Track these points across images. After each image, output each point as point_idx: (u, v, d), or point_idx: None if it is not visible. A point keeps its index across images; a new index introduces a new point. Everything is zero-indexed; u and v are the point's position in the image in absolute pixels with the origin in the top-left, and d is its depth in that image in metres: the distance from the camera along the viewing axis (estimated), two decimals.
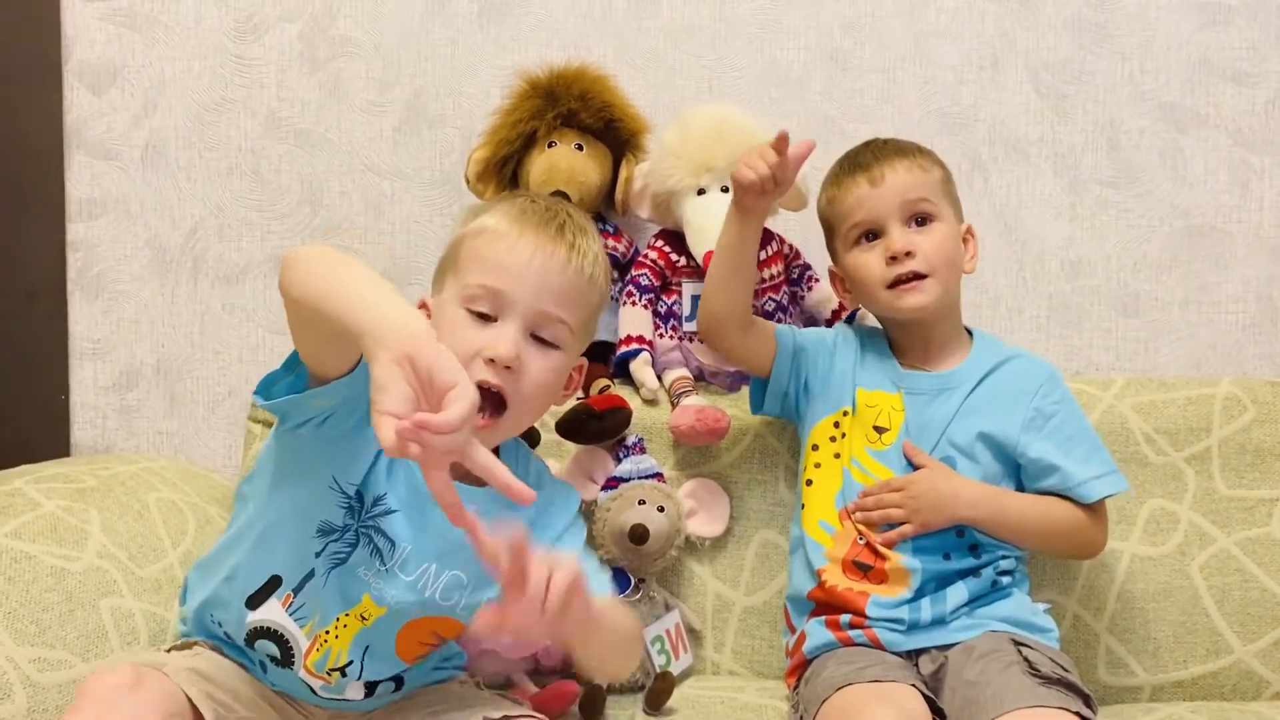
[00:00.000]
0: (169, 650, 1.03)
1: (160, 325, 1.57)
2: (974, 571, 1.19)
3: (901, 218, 1.22)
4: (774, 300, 1.42)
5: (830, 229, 1.29)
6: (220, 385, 1.56)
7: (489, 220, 1.03)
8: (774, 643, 1.34)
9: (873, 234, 1.23)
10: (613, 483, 1.33)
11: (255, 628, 1.01)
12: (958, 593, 1.18)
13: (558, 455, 1.35)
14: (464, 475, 0.82)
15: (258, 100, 1.55)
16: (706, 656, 1.35)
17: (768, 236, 1.43)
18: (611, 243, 1.46)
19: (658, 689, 1.19)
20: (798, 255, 1.47)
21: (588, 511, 1.33)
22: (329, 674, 1.01)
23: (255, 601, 1.01)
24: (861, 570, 1.20)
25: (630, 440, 1.35)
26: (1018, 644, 1.12)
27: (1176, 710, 1.24)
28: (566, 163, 1.38)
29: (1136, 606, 1.33)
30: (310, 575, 1.00)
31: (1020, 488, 1.23)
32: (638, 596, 1.29)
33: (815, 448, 1.28)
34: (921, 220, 1.23)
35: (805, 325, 1.48)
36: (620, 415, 1.33)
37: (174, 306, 1.57)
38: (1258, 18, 1.53)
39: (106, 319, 1.57)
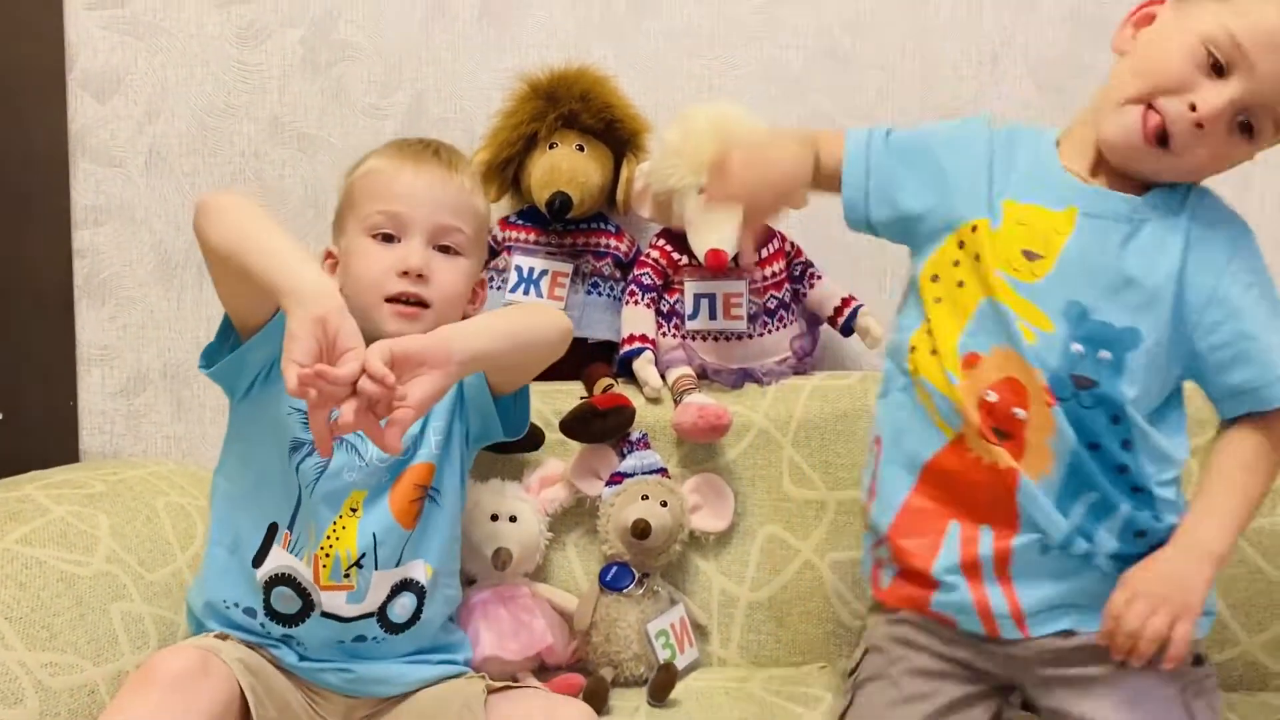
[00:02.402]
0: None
1: (166, 330, 1.58)
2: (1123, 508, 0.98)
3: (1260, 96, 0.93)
4: (776, 298, 1.43)
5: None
6: None
7: (373, 163, 1.17)
8: (779, 638, 1.35)
9: (1221, 67, 0.94)
10: (617, 478, 1.34)
11: (268, 579, 1.05)
12: (1107, 533, 0.98)
13: (562, 454, 1.36)
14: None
15: (260, 105, 1.56)
16: (712, 651, 1.35)
17: (768, 234, 1.44)
18: (614, 242, 1.46)
19: (660, 680, 1.20)
20: (799, 252, 1.47)
21: (591, 508, 1.35)
22: (346, 576, 1.06)
23: (260, 558, 1.06)
24: (1000, 436, 0.99)
25: (634, 436, 1.36)
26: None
27: None
28: (568, 164, 1.39)
29: None
30: (299, 501, 1.06)
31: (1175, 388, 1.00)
32: (641, 591, 1.30)
33: (935, 278, 1.04)
34: (1247, 128, 0.95)
35: (807, 322, 1.48)
36: (623, 414, 1.34)
37: (180, 312, 1.58)
38: None
39: (113, 325, 1.58)
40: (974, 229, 1.02)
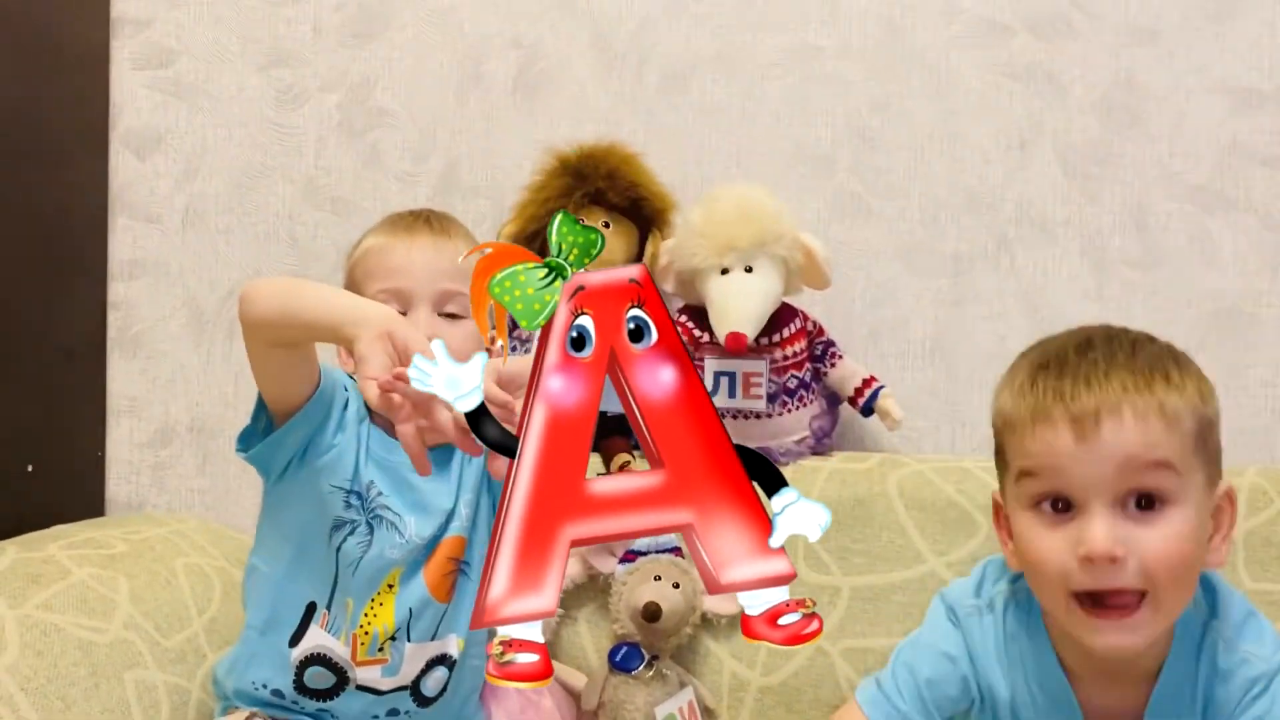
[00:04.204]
0: None
1: (195, 384, 1.61)
2: None
3: (1114, 494, 0.84)
4: (796, 377, 1.43)
5: (999, 447, 0.93)
6: None
7: (368, 241, 1.19)
8: None
9: (1064, 503, 0.87)
10: (630, 556, 1.34)
11: (302, 660, 1.07)
12: None
13: None
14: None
15: (296, 167, 1.59)
16: None
17: (790, 314, 1.44)
18: None
19: None
20: (821, 332, 1.48)
21: (604, 585, 1.35)
22: (380, 650, 1.08)
23: (296, 638, 1.07)
24: None
25: None
26: None
27: None
28: None
29: None
30: (336, 580, 1.07)
31: None
32: (650, 673, 1.30)
33: None
34: (1148, 502, 0.85)
35: (827, 402, 1.48)
36: None
37: (209, 366, 1.60)
38: None
39: (143, 377, 1.61)
40: None
